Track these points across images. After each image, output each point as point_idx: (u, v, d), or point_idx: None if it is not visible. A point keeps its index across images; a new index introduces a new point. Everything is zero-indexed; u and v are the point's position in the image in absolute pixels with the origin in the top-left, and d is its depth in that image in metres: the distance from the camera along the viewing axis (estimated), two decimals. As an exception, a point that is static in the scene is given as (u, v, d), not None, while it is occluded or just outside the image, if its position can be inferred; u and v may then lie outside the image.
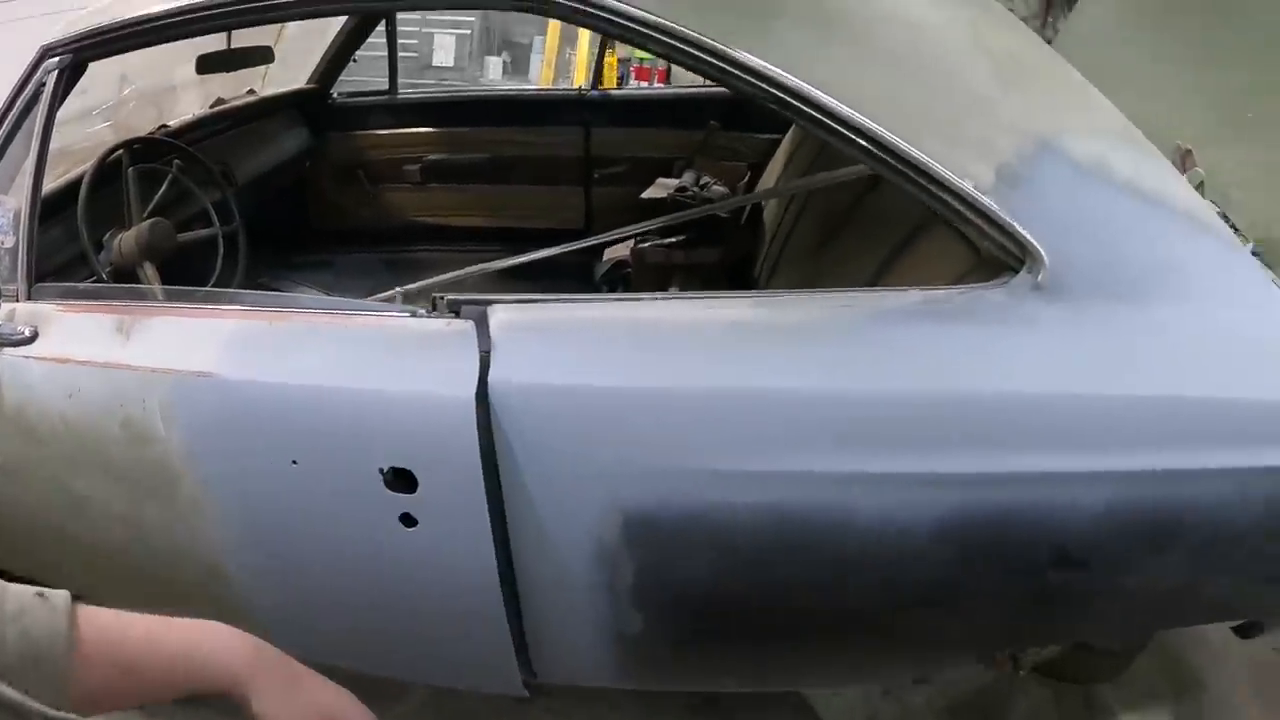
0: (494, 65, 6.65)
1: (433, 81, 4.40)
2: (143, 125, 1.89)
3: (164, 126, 1.85)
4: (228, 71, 1.87)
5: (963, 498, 0.96)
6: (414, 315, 1.03)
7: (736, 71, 0.98)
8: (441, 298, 1.06)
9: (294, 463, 1.02)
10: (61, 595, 0.56)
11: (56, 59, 1.24)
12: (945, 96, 1.04)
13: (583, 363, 0.97)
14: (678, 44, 0.98)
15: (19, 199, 1.25)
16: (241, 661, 0.60)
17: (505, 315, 1.00)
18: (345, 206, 2.45)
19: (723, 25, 0.99)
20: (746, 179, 2.35)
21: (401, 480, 0.98)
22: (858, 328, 0.98)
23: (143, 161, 1.70)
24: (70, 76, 1.26)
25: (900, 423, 0.95)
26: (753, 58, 0.96)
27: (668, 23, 0.97)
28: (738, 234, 2.21)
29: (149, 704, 0.61)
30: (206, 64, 1.81)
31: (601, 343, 0.99)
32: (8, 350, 1.17)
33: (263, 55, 2.01)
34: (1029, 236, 0.95)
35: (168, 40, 1.28)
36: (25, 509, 1.32)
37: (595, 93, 2.56)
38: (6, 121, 1.28)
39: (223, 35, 1.83)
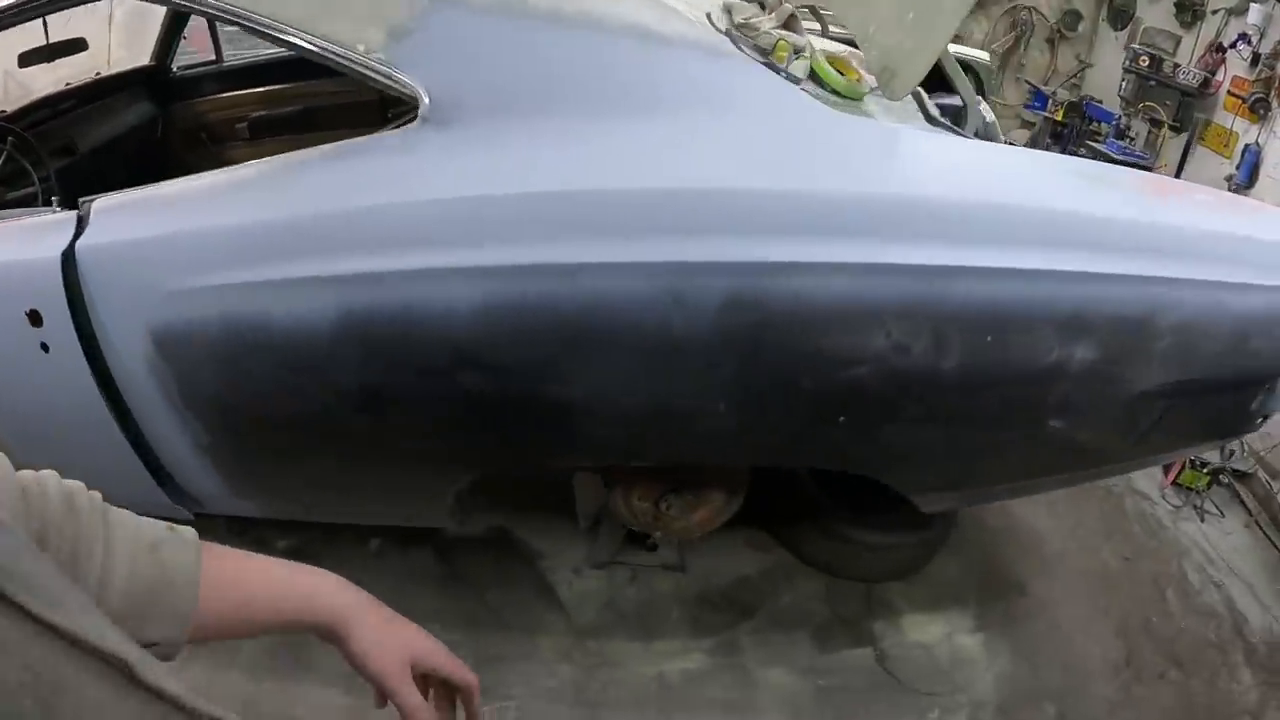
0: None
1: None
2: (-2, 110, 2.86)
3: (2, 111, 2.80)
4: (48, 62, 2.76)
5: (346, 297, 1.48)
6: (51, 211, 1.84)
7: (221, 14, 1.59)
8: (83, 200, 1.87)
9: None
10: (189, 530, 0.69)
11: None
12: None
13: (133, 224, 1.64)
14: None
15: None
16: (344, 603, 0.76)
17: (103, 203, 1.73)
18: (194, 166, 3.26)
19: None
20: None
21: (36, 318, 1.72)
22: (273, 175, 1.59)
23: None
24: None
25: (290, 237, 1.50)
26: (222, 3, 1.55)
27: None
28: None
29: (255, 634, 0.76)
30: (27, 59, 2.69)
31: (150, 211, 1.66)
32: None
33: (77, 45, 2.85)
34: (407, 80, 1.46)
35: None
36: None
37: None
38: None
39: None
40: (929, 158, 1.51)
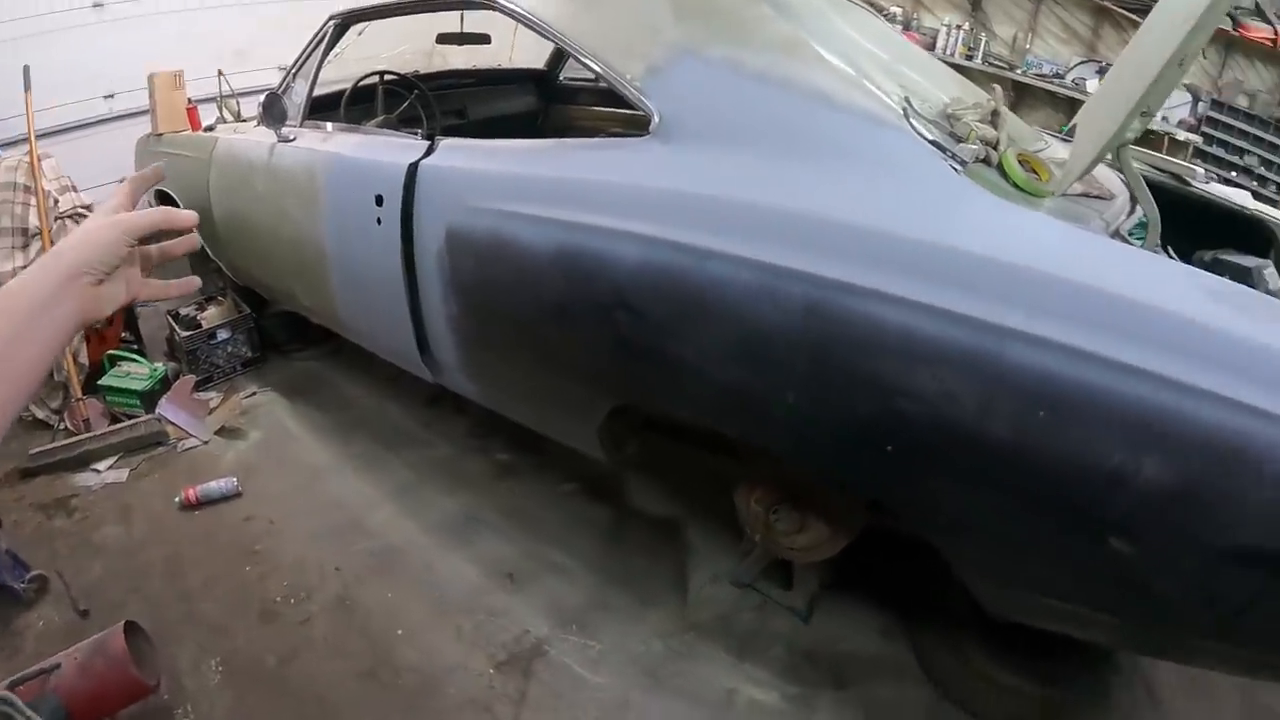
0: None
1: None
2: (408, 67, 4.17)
3: (416, 71, 4.10)
4: (458, 45, 4.05)
5: (565, 237, 2.31)
6: (416, 138, 2.97)
7: (547, 33, 2.61)
8: (436, 135, 3.00)
9: None
10: None
11: (333, 21, 3.51)
12: (629, 29, 2.47)
13: (460, 158, 2.72)
14: None
15: (305, 88, 3.56)
16: (62, 253, 0.91)
17: (447, 141, 2.87)
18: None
19: None
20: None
21: (379, 200, 2.87)
22: (552, 149, 2.52)
23: (391, 87, 3.96)
24: (336, 32, 3.50)
25: (547, 189, 2.39)
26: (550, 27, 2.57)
27: None
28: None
29: (46, 357, 0.87)
30: (444, 39, 4.02)
31: (472, 152, 2.72)
32: (281, 143, 3.46)
33: (481, 39, 4.10)
34: (648, 104, 2.27)
35: (406, 15, 3.39)
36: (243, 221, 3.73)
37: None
38: (303, 55, 3.61)
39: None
40: (1046, 238, 1.72)
